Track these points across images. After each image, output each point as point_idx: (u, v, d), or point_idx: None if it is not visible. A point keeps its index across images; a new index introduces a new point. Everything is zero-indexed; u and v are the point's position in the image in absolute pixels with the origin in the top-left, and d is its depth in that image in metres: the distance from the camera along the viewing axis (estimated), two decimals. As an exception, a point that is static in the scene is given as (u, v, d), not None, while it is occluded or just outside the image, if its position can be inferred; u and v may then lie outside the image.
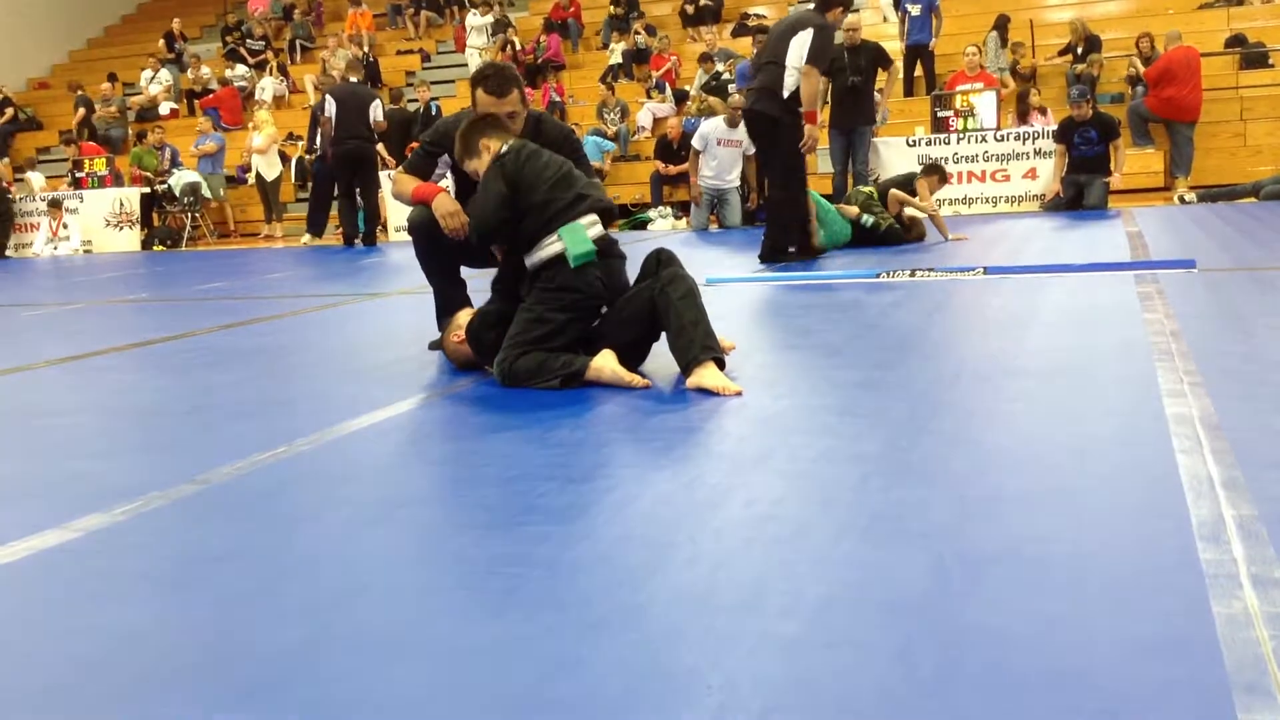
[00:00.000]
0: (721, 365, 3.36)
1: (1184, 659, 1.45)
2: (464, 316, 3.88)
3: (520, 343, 3.47)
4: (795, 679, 1.46)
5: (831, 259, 7.40)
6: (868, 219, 8.17)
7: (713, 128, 11.22)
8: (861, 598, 1.71)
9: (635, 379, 3.36)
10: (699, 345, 3.33)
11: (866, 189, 8.55)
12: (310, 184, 13.54)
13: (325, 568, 2.00)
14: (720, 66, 14.42)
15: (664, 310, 3.43)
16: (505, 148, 3.62)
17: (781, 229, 7.29)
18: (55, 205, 14.77)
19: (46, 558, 2.13)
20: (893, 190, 8.28)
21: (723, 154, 11.17)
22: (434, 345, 4.36)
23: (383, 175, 12.68)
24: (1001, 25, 14.09)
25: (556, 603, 1.75)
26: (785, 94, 6.89)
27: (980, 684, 1.42)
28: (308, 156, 13.79)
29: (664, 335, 3.50)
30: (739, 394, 3.20)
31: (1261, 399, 2.85)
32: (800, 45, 6.78)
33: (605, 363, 3.39)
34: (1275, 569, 1.72)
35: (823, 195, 8.82)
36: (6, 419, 3.64)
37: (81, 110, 18.08)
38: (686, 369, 3.34)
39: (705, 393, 3.22)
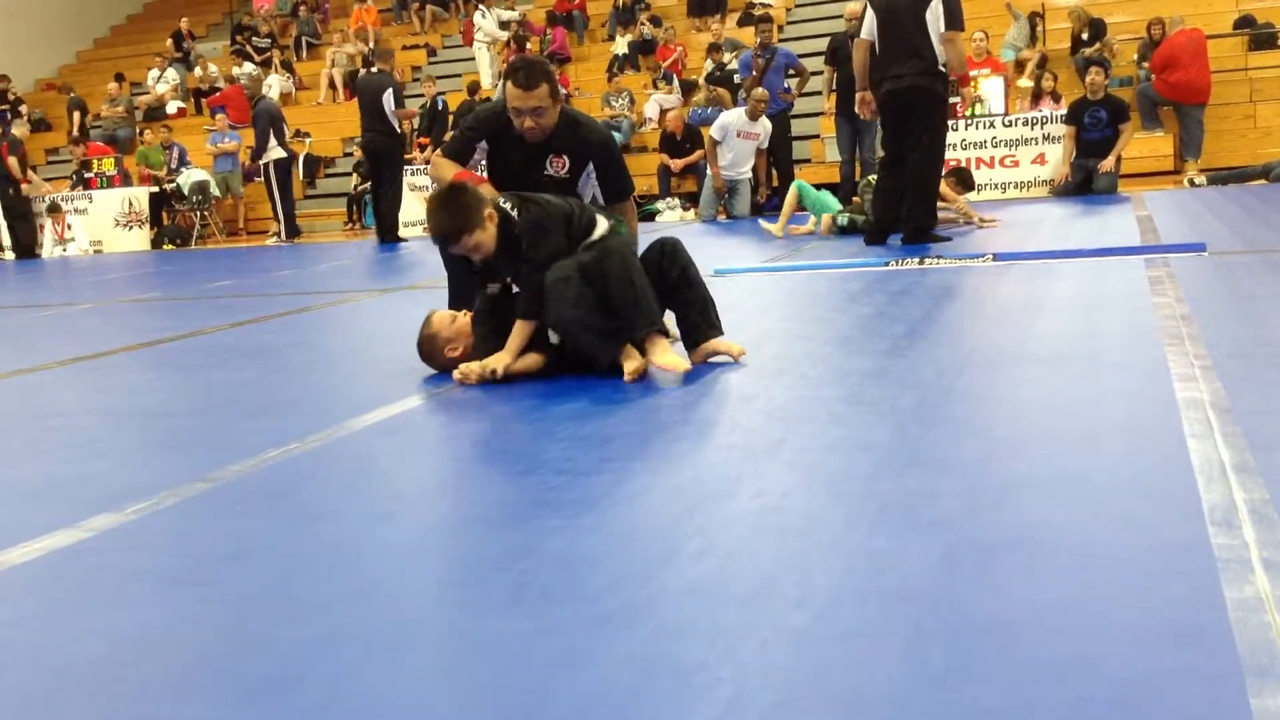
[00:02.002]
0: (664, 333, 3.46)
1: (1196, 645, 1.45)
2: (439, 321, 3.69)
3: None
4: (807, 670, 1.46)
5: (840, 247, 7.38)
6: (843, 219, 8.29)
7: (733, 119, 11.18)
8: (872, 588, 1.71)
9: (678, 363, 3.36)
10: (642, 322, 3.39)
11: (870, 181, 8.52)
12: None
13: (336, 564, 2.01)
14: (726, 56, 14.38)
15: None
16: (507, 201, 3.52)
17: (928, 209, 7.30)
18: (55, 210, 14.75)
19: (59, 558, 2.13)
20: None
21: (740, 146, 11.16)
22: None
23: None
24: (1034, 15, 13.97)
25: (566, 597, 1.75)
26: (940, 67, 7.01)
27: (991, 673, 1.41)
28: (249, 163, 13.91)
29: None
30: (688, 369, 3.33)
31: (1273, 382, 2.84)
32: (935, 16, 6.90)
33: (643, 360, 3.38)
34: (1288, 553, 1.71)
35: (830, 184, 8.86)
36: (18, 420, 3.65)
37: (76, 114, 18.10)
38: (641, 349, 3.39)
39: (704, 377, 3.23)
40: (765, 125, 11.16)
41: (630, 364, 3.35)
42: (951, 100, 8.14)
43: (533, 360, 3.50)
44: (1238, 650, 1.42)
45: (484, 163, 4.13)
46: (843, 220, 8.28)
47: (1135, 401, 2.73)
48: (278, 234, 13.40)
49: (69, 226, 14.76)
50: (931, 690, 1.38)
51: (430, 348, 3.70)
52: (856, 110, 7.81)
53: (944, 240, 7.12)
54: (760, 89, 11.21)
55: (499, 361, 3.44)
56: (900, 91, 7.05)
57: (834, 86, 11.55)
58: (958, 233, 7.77)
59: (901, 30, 7.01)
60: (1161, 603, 1.58)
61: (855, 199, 8.55)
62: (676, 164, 12.87)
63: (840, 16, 11.79)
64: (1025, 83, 12.19)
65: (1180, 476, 2.11)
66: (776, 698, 1.39)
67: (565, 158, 3.95)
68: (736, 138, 11.12)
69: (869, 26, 7.22)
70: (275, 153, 12.88)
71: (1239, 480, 2.06)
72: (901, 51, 7.01)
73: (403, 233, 12.37)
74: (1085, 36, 13.35)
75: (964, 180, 8.76)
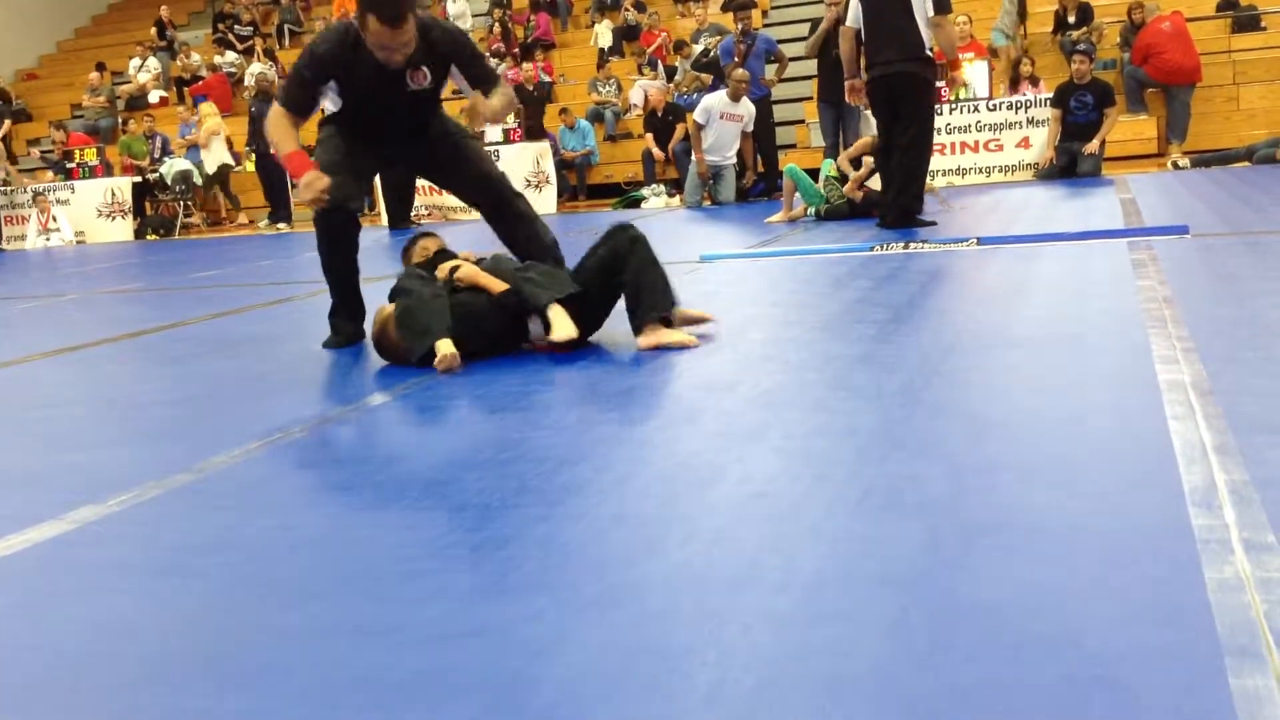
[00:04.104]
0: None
1: (1176, 624, 1.46)
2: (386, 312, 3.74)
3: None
4: (790, 653, 1.47)
5: (824, 232, 7.39)
6: (811, 210, 8.42)
7: (715, 101, 11.13)
8: (855, 571, 1.72)
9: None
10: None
11: (833, 173, 8.53)
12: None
13: (321, 554, 2.01)
14: (704, 44, 14.36)
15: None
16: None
17: (915, 194, 7.31)
18: (38, 199, 14.69)
19: (42, 550, 2.13)
20: (843, 158, 8.35)
21: (723, 128, 11.11)
22: (329, 344, 4.24)
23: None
24: None
25: (551, 584, 1.76)
26: (928, 52, 7.03)
27: (974, 653, 1.42)
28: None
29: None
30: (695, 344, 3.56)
31: (1254, 364, 2.86)
32: (923, 1, 6.92)
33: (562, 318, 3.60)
34: (1266, 533, 1.72)
35: (811, 169, 8.87)
36: (1, 412, 3.63)
37: (7, 123, 17.90)
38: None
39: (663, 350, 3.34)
40: (748, 107, 11.12)
41: (562, 333, 3.54)
42: (938, 84, 8.15)
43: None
44: (1217, 630, 1.43)
45: (328, 101, 3.91)
46: (811, 210, 8.39)
47: (1118, 384, 2.74)
48: (280, 220, 13.95)
49: (53, 218, 14.67)
50: (914, 671, 1.39)
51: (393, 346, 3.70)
52: (846, 97, 7.82)
53: (929, 225, 7.13)
54: (741, 70, 11.19)
55: (572, 330, 3.59)
56: (889, 77, 7.06)
57: (815, 71, 11.54)
58: (939, 216, 7.78)
59: (889, 15, 7.01)
60: (1142, 583, 1.59)
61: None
62: (660, 154, 12.88)
63: (822, 1, 11.76)
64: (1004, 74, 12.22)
65: (1161, 458, 2.13)
66: (760, 680, 1.40)
67: (424, 69, 3.80)
68: (720, 119, 11.08)
69: (854, 14, 7.22)
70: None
71: (1220, 461, 2.07)
72: (889, 37, 7.01)
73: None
74: (1071, 20, 13.35)
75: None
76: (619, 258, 3.66)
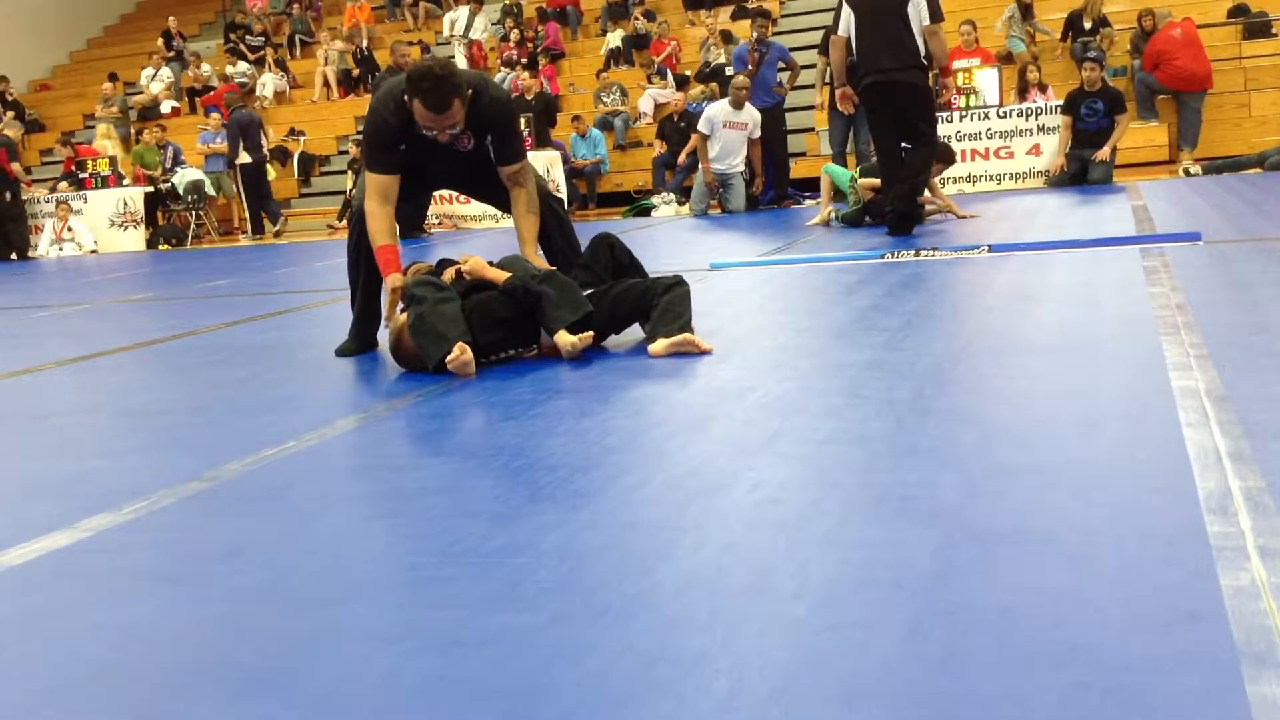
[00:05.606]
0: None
1: (1192, 632, 1.45)
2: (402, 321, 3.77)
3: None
4: (804, 661, 1.46)
5: (835, 240, 7.38)
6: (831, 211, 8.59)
7: (718, 110, 11.12)
8: (869, 578, 1.72)
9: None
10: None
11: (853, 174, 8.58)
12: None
13: (333, 561, 2.01)
14: (709, 55, 14.38)
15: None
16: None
17: (917, 198, 7.37)
18: (62, 204, 14.80)
19: (57, 558, 2.14)
20: (861, 180, 8.32)
21: (728, 136, 11.10)
22: (343, 351, 4.31)
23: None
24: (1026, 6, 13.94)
25: (564, 591, 1.76)
26: (924, 60, 7.08)
27: (989, 661, 1.42)
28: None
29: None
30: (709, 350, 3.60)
31: (1268, 370, 2.85)
32: (917, 9, 6.98)
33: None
34: (1283, 540, 1.71)
35: (813, 176, 8.95)
36: (16, 420, 3.65)
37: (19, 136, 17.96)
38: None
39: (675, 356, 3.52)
40: (753, 114, 11.10)
41: (567, 344, 3.61)
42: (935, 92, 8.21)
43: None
44: (1233, 637, 1.42)
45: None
46: (831, 211, 8.45)
47: (1131, 391, 2.73)
48: (244, 232, 14.61)
49: (69, 228, 14.72)
50: (929, 678, 1.39)
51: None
52: (838, 104, 7.85)
53: (923, 211, 7.28)
54: (740, 77, 11.18)
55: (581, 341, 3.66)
56: (885, 84, 7.10)
57: (826, 79, 11.54)
58: (946, 224, 7.77)
59: (884, 24, 7.05)
60: (1158, 590, 1.59)
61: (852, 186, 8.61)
62: (682, 157, 12.85)
63: (833, 10, 11.76)
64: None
65: (1176, 465, 2.12)
66: (774, 687, 1.39)
67: (470, 133, 3.95)
68: (723, 128, 11.08)
69: (846, 23, 7.27)
70: (242, 158, 14.28)
71: (1234, 468, 2.07)
72: (885, 46, 7.06)
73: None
74: (1088, 26, 13.33)
75: (944, 156, 8.75)
76: (664, 287, 3.78)
